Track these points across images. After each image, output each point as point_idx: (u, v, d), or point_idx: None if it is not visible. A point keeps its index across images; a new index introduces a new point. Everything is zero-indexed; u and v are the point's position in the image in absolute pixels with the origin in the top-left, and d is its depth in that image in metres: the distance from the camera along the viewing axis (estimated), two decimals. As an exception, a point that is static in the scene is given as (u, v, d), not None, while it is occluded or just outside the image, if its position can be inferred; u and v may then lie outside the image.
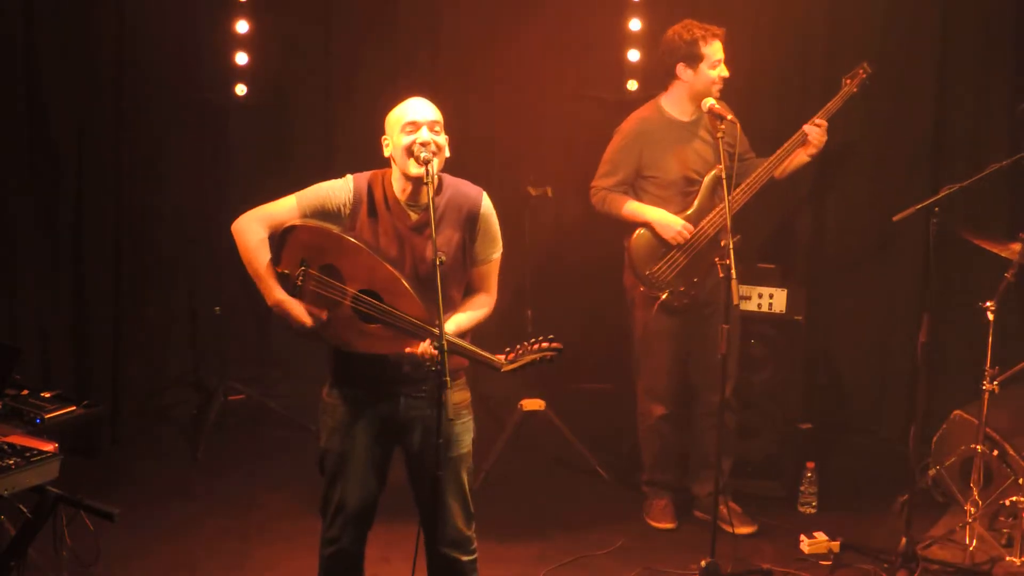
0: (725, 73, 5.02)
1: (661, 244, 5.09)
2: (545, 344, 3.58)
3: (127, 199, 6.04)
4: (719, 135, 4.73)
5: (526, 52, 6.40)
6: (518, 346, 3.60)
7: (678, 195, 5.09)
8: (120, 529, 3.96)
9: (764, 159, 5.18)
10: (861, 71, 5.18)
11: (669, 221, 5.05)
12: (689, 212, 5.07)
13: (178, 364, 6.55)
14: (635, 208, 5.10)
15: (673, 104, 5.11)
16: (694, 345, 5.18)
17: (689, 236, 5.03)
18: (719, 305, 4.85)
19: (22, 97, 5.64)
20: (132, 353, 6.14)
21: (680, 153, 5.05)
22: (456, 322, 3.65)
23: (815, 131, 5.08)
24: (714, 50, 4.99)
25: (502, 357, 3.59)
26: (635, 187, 5.16)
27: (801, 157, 5.15)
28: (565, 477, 5.87)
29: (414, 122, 3.60)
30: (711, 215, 5.04)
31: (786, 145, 5.13)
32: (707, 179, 5.07)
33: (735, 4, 6.05)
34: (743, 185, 5.09)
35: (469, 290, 3.78)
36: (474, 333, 3.76)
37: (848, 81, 5.19)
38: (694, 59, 4.99)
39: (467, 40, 6.49)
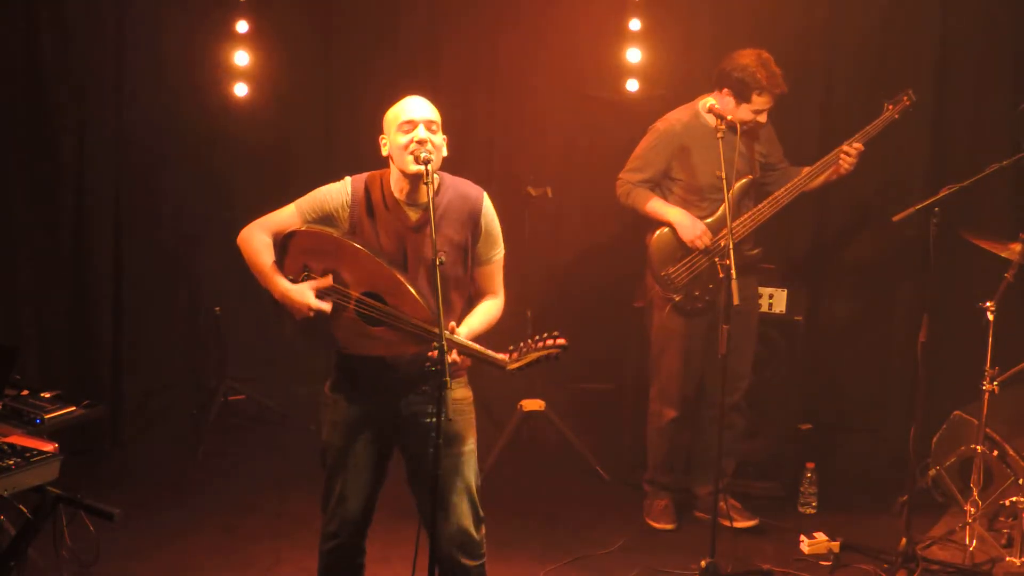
0: (762, 120, 5.02)
1: (680, 247, 5.08)
2: (550, 341, 3.55)
3: (127, 199, 6.04)
4: (719, 135, 4.70)
5: (526, 52, 6.40)
6: (522, 344, 3.57)
7: (703, 200, 5.08)
8: (120, 529, 3.96)
9: (797, 168, 5.16)
10: (905, 98, 5.09)
11: (689, 224, 5.04)
12: (711, 219, 5.06)
13: (178, 364, 6.55)
14: (658, 206, 5.10)
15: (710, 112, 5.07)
16: (711, 347, 5.16)
17: (708, 242, 5.02)
18: (738, 309, 4.87)
19: (22, 97, 5.64)
20: (132, 353, 6.13)
21: (710, 160, 5.01)
22: (468, 326, 3.64)
23: (848, 157, 5.04)
24: (763, 102, 4.97)
25: (506, 356, 3.58)
26: (661, 187, 5.16)
27: (832, 177, 5.13)
28: (565, 477, 5.87)
29: (411, 120, 3.60)
30: (733, 224, 5.01)
31: (819, 164, 5.09)
32: (735, 187, 5.05)
33: (734, 4, 6.05)
34: (769, 199, 5.08)
35: (476, 292, 3.77)
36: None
37: (890, 107, 5.11)
38: (742, 97, 4.97)
39: (467, 40, 6.49)
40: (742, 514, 5.25)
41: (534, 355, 3.56)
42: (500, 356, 3.57)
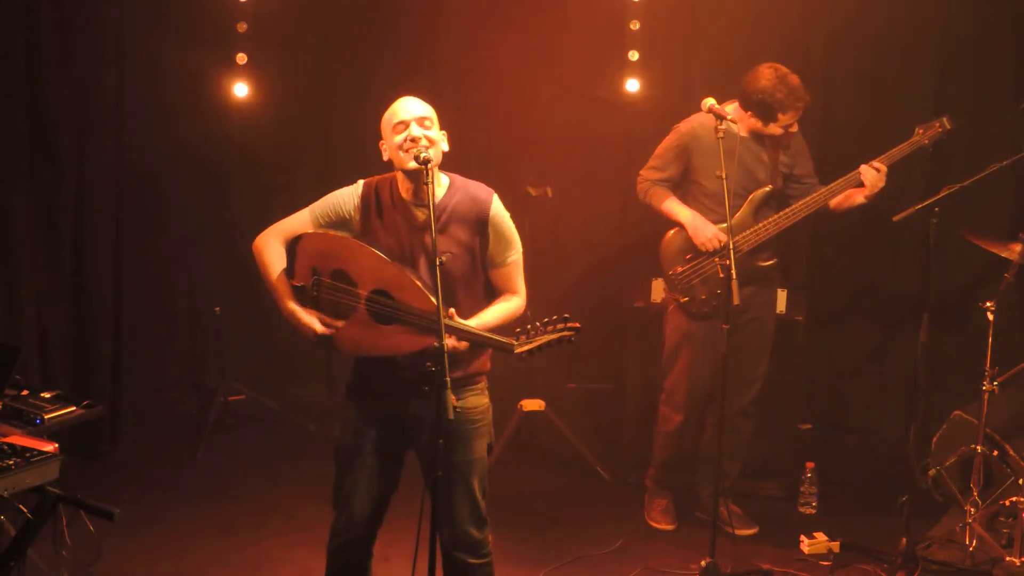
0: (793, 129, 4.98)
1: (690, 248, 5.07)
2: (561, 325, 3.57)
3: (127, 199, 6.04)
4: (719, 135, 4.66)
5: (526, 52, 6.40)
6: (529, 327, 3.58)
7: (720, 205, 5.00)
8: (120, 529, 3.96)
9: (824, 186, 5.09)
10: (938, 125, 5.00)
11: (701, 226, 5.02)
12: (724, 225, 5.00)
13: (178, 364, 6.55)
14: (672, 206, 5.09)
15: (734, 118, 4.99)
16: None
17: (720, 245, 4.98)
18: (753, 315, 4.84)
19: (22, 98, 5.64)
20: (132, 353, 6.13)
21: (728, 166, 4.96)
22: (480, 319, 3.65)
23: (871, 174, 4.95)
24: (788, 118, 4.94)
25: (512, 340, 3.57)
26: (683, 188, 5.15)
27: (857, 198, 5.05)
28: (565, 477, 5.87)
29: (403, 121, 3.63)
30: (746, 232, 5.01)
31: (839, 181, 5.03)
32: (753, 195, 5.03)
33: (734, 4, 6.05)
34: (785, 211, 5.05)
35: (496, 292, 3.78)
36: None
37: (920, 131, 5.03)
38: (768, 118, 4.95)
39: (468, 40, 6.49)
40: (743, 521, 5.25)
41: (544, 338, 3.57)
42: (506, 340, 3.57)
